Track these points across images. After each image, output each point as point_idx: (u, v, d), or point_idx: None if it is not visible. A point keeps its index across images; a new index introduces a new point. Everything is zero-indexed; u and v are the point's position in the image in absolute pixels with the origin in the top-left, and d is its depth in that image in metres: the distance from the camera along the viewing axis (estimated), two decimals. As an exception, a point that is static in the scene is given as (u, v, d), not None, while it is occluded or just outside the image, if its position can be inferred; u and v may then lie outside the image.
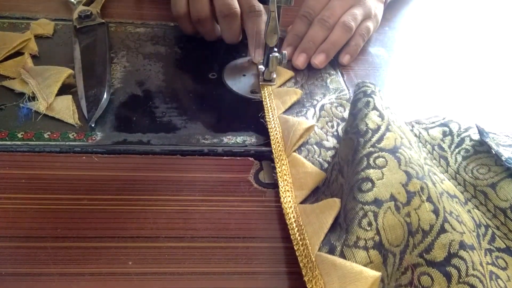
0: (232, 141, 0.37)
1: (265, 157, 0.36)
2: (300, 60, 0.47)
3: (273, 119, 0.37)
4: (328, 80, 0.45)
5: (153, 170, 0.33)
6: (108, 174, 0.33)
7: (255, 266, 0.28)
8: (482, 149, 0.34)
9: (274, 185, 0.33)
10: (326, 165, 0.34)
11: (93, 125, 0.36)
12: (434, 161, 0.36)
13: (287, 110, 0.39)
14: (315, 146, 0.36)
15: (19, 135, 0.35)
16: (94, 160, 0.34)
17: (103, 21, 0.49)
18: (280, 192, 0.31)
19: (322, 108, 0.40)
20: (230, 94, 0.43)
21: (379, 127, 0.29)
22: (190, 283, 0.26)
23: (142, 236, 0.29)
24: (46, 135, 0.35)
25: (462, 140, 0.36)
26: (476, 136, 0.36)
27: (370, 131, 0.29)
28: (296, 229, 0.28)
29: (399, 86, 0.48)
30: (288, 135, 0.35)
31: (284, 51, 0.41)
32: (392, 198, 0.26)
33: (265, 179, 0.34)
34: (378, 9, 0.52)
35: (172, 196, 0.31)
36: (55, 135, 0.35)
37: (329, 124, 0.39)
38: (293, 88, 0.43)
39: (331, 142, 0.37)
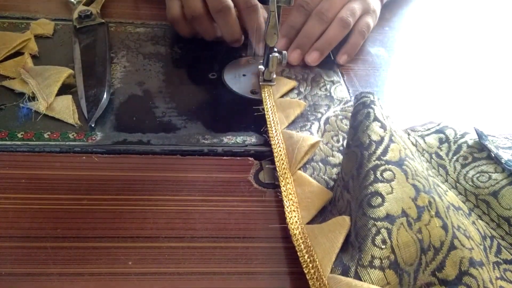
0: (232, 141, 0.37)
1: (265, 157, 0.36)
2: (293, 57, 0.46)
3: (276, 135, 0.36)
4: (332, 89, 0.44)
5: (153, 170, 0.33)
6: (108, 174, 0.33)
7: (255, 266, 0.28)
8: (480, 156, 0.34)
9: (274, 185, 0.33)
10: (332, 183, 0.33)
11: (93, 125, 0.36)
12: (433, 170, 0.35)
13: (291, 125, 0.38)
14: (320, 164, 0.34)
15: (19, 135, 0.35)
16: (94, 160, 0.34)
17: (103, 21, 0.49)
18: (286, 213, 0.29)
19: (327, 121, 0.39)
20: (230, 94, 0.43)
21: (382, 139, 0.28)
22: (190, 283, 0.26)
23: (142, 236, 0.29)
24: (46, 135, 0.35)
25: (459, 147, 0.35)
26: (472, 142, 0.35)
27: (373, 143, 0.28)
28: (305, 250, 0.26)
29: (399, 86, 0.48)
30: (292, 152, 0.33)
31: (284, 51, 0.41)
32: (404, 213, 0.25)
33: (265, 179, 0.34)
34: (376, 4, 0.51)
35: (172, 196, 0.31)
36: (55, 135, 0.35)
37: (335, 138, 0.37)
38: (296, 99, 0.42)
39: (336, 158, 0.35)
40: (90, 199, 0.30)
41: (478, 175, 0.33)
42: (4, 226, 0.28)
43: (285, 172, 0.33)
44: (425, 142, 0.37)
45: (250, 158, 0.35)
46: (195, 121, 0.38)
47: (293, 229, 0.28)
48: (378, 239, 0.24)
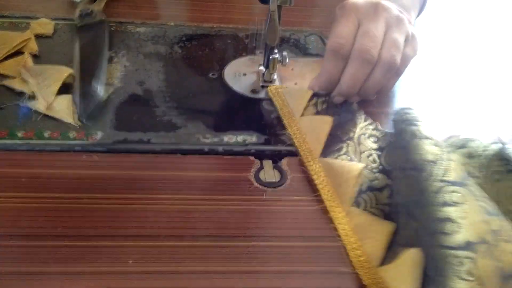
0: (233, 140, 0.37)
1: (265, 156, 0.36)
2: (336, 100, 0.40)
3: (314, 168, 0.33)
4: (347, 106, 0.40)
5: (154, 169, 0.33)
6: (108, 173, 0.33)
7: (256, 265, 0.28)
8: None
9: (274, 185, 0.33)
10: (387, 208, 0.30)
11: (84, 121, 0.36)
12: None
13: (325, 149, 0.35)
14: (369, 193, 0.32)
15: (19, 134, 0.34)
16: (95, 159, 0.34)
17: (103, 18, 0.49)
18: (350, 253, 0.28)
19: (359, 140, 0.36)
20: (230, 93, 0.43)
21: (439, 157, 0.25)
22: (190, 282, 0.26)
23: (143, 235, 0.29)
24: (46, 134, 0.35)
25: (489, 161, 0.32)
26: (501, 153, 0.32)
27: (430, 163, 0.25)
28: None
29: (401, 87, 0.48)
30: (338, 188, 0.31)
31: (285, 52, 0.41)
32: (482, 239, 0.22)
33: (266, 178, 0.34)
34: (412, 27, 0.41)
35: (173, 195, 0.31)
36: (55, 134, 0.35)
37: (370, 158, 0.34)
38: (319, 116, 0.38)
39: (380, 180, 0.32)
40: (90, 198, 0.30)
41: None
42: (4, 225, 0.28)
43: (335, 211, 0.31)
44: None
45: (250, 157, 0.35)
46: (196, 120, 0.38)
47: (362, 274, 0.26)
48: (463, 271, 0.22)
